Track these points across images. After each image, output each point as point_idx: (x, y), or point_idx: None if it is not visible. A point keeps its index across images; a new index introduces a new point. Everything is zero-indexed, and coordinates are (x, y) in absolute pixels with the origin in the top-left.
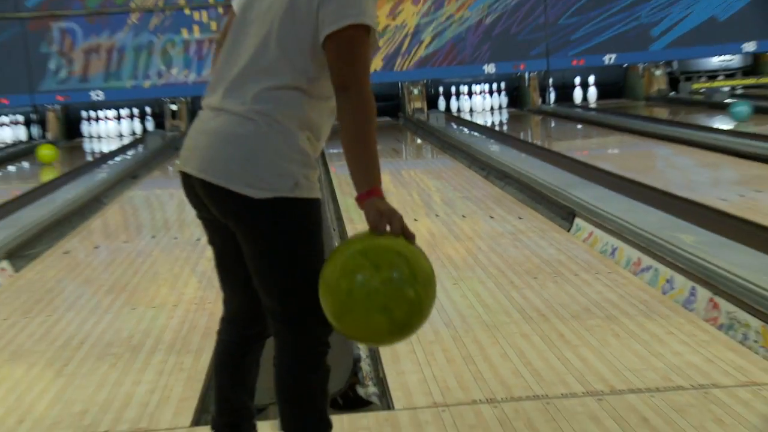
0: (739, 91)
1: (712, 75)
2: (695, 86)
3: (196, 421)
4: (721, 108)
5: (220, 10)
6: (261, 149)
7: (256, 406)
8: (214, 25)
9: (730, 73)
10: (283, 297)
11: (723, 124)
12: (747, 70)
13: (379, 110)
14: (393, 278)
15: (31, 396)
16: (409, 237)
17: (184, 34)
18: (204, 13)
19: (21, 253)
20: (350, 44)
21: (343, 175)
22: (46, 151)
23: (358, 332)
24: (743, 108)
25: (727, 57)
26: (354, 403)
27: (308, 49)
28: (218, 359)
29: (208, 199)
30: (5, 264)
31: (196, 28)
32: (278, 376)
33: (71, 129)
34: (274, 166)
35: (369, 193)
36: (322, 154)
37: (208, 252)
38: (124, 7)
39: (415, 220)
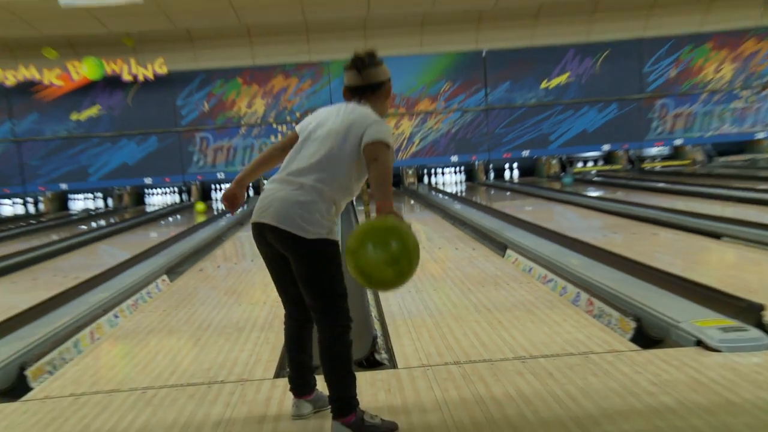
0: (598, 176)
1: (585, 162)
2: (575, 170)
3: (277, 375)
4: (590, 183)
5: (294, 124)
6: (312, 211)
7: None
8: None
9: (595, 160)
10: (320, 298)
11: (591, 192)
12: (605, 159)
13: None
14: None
15: (179, 358)
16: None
17: (272, 138)
18: (284, 127)
19: (174, 270)
20: (379, 144)
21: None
22: (200, 206)
23: (366, 263)
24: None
25: (593, 152)
26: (373, 364)
27: (354, 160)
28: (287, 336)
29: (277, 239)
30: (165, 277)
31: (279, 135)
32: (320, 347)
33: (205, 195)
34: (317, 221)
35: (385, 206)
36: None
37: None
38: (237, 124)
39: None
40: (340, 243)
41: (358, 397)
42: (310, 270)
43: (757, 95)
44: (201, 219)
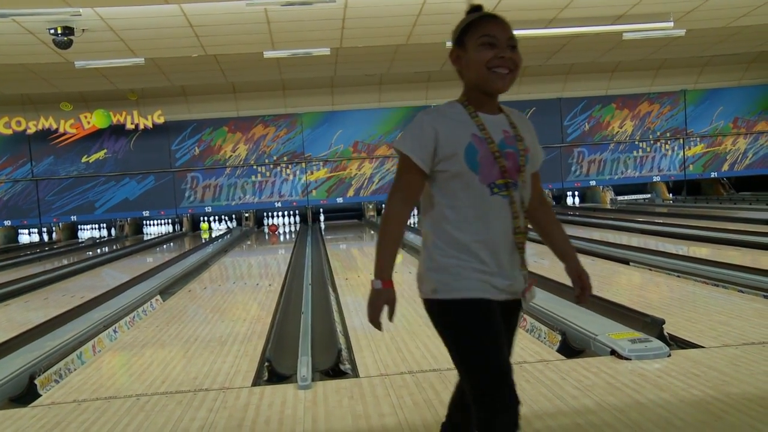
0: None
1: None
2: None
3: (254, 384)
4: None
5: (271, 166)
6: None
7: None
8: (268, 174)
9: None
10: None
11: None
12: None
13: (350, 216)
14: None
15: (169, 368)
16: None
17: (253, 178)
18: (263, 168)
19: (166, 291)
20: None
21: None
22: (205, 225)
23: None
24: None
25: None
26: (338, 374)
27: None
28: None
29: (517, 306)
30: (158, 297)
31: (259, 175)
32: None
33: (194, 226)
34: None
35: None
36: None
37: (264, 290)
38: (223, 165)
39: (370, 273)
40: None
41: (326, 402)
42: None
43: (652, 146)
44: (205, 236)
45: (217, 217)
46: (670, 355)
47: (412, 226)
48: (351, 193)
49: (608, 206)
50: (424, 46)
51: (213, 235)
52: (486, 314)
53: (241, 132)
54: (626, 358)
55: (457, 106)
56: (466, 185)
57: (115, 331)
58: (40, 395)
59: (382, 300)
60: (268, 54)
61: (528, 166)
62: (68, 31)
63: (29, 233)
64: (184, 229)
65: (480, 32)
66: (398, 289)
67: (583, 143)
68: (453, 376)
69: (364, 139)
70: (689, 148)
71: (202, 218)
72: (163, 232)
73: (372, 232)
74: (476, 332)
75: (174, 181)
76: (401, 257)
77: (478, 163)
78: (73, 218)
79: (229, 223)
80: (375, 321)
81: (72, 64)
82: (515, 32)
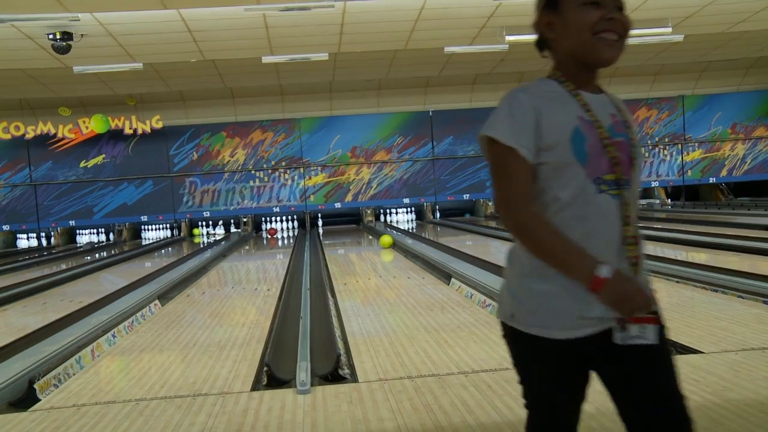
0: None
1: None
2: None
3: (253, 388)
4: None
5: (270, 171)
6: None
7: None
8: (266, 179)
9: None
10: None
11: None
12: None
13: (348, 221)
14: None
15: (168, 372)
16: None
17: (251, 183)
18: (261, 173)
19: (165, 296)
20: None
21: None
22: (196, 230)
23: None
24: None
25: None
26: (337, 378)
27: None
28: None
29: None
30: (157, 301)
31: (257, 180)
32: None
33: (191, 231)
34: None
35: None
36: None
37: (262, 295)
38: (221, 170)
39: (369, 279)
40: None
41: (325, 407)
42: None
43: (651, 151)
44: (197, 240)
45: (219, 222)
46: None
47: (411, 231)
48: (349, 198)
49: None
50: (422, 51)
51: (210, 240)
52: (563, 362)
53: (240, 137)
54: None
55: (551, 83)
56: (568, 180)
57: (113, 336)
58: (39, 400)
59: (629, 281)
60: (267, 59)
61: (638, 160)
62: (67, 36)
63: (28, 238)
64: (182, 234)
65: None
66: (396, 294)
67: None
68: (452, 381)
69: (362, 144)
70: (687, 154)
71: (200, 223)
72: (162, 237)
73: (370, 237)
74: (542, 381)
75: (172, 186)
76: (391, 257)
77: (586, 153)
78: (72, 223)
79: (224, 229)
80: (646, 305)
81: (70, 69)
82: (513, 38)
